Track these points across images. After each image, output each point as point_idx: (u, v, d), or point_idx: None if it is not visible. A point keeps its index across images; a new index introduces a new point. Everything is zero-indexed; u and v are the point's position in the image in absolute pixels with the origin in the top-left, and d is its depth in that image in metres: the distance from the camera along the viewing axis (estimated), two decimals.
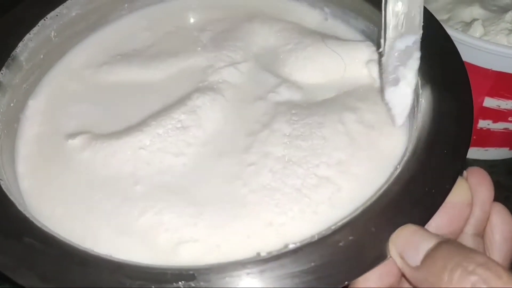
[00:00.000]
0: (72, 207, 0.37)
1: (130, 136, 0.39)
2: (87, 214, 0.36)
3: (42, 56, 0.45)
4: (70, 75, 0.46)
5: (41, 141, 0.41)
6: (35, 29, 0.44)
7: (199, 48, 0.47)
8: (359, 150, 0.37)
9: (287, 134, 0.38)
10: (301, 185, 0.35)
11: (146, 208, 0.36)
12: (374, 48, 0.44)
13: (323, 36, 0.46)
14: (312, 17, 0.50)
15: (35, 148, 0.41)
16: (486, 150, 0.59)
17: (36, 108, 0.44)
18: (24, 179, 0.39)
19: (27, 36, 0.43)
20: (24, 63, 0.43)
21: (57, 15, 0.46)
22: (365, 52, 0.44)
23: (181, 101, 0.42)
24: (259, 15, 0.50)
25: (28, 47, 0.43)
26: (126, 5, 0.51)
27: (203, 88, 0.43)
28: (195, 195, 0.36)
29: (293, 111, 0.40)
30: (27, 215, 0.32)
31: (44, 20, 0.45)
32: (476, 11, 0.55)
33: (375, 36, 0.46)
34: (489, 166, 0.60)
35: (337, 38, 0.46)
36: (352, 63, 0.44)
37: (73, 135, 0.41)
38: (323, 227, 0.31)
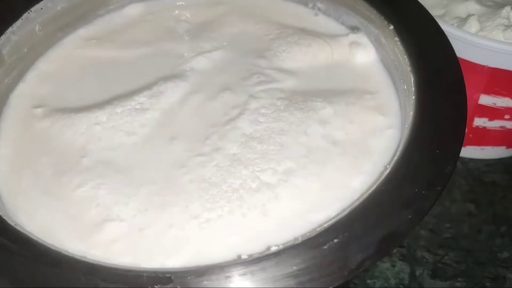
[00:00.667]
0: (20, 169, 0.38)
1: (89, 111, 0.41)
2: (30, 176, 0.37)
3: (26, 50, 0.44)
4: (51, 62, 0.46)
5: (16, 120, 0.42)
6: (18, 23, 0.43)
7: (175, 39, 0.48)
8: (312, 164, 0.36)
9: (247, 134, 0.38)
10: (240, 186, 0.35)
11: (85, 180, 0.36)
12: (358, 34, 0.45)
13: (305, 28, 0.47)
14: (303, 13, 0.49)
15: (12, 132, 0.41)
16: (483, 149, 0.58)
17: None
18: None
19: (10, 29, 0.42)
20: (6, 57, 0.42)
21: (41, 8, 0.45)
22: (348, 37, 0.45)
23: (147, 86, 0.43)
24: (236, 10, 0.50)
25: (10, 40, 0.42)
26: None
27: (170, 76, 0.44)
28: (136, 175, 0.37)
29: (263, 111, 0.40)
30: (0, 213, 0.31)
31: (28, 13, 0.44)
32: (471, 6, 0.54)
33: (368, 33, 0.45)
34: (486, 165, 0.59)
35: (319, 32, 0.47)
36: (339, 47, 0.44)
37: (39, 106, 0.42)
38: (245, 233, 0.32)
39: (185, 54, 0.46)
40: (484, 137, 0.57)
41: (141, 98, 0.42)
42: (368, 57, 0.44)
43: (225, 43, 0.46)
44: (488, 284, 0.50)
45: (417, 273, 0.51)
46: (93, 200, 0.35)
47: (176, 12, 0.51)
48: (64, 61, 0.46)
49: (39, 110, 0.42)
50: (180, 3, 0.52)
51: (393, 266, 0.51)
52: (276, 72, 0.43)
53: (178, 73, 0.44)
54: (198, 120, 0.40)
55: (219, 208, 0.34)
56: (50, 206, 0.35)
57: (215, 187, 0.35)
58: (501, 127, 0.54)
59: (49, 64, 0.46)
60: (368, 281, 0.50)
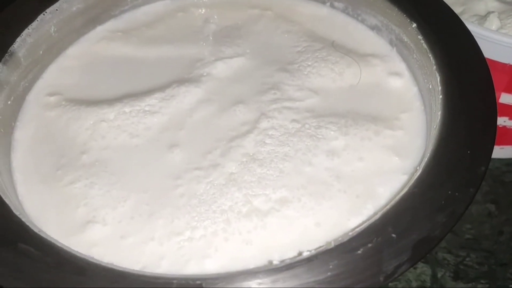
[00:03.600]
0: (28, 153, 0.39)
1: (99, 107, 0.41)
2: (33, 162, 0.38)
3: (41, 52, 0.44)
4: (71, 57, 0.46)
5: (31, 107, 0.42)
6: (34, 24, 0.42)
7: (199, 40, 0.47)
8: (309, 197, 0.35)
9: (250, 154, 0.37)
10: (229, 208, 0.34)
11: (80, 177, 0.37)
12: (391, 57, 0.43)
13: (334, 42, 0.45)
14: (322, 12, 0.48)
15: (26, 116, 0.42)
16: (502, 148, 0.57)
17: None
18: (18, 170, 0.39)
19: (26, 31, 0.42)
20: (22, 59, 0.41)
21: (57, 10, 0.44)
22: (381, 58, 0.43)
23: (160, 88, 0.42)
24: (268, 15, 0.48)
25: (26, 42, 0.42)
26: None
27: (186, 79, 0.43)
28: (129, 180, 0.37)
29: (271, 132, 0.38)
30: (23, 220, 0.30)
31: (44, 14, 0.43)
32: (491, 3, 0.53)
33: (387, 32, 0.44)
34: (506, 165, 0.58)
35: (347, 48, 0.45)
36: (368, 67, 0.42)
37: (53, 95, 0.43)
38: (223, 258, 0.32)
39: (205, 58, 0.45)
40: (504, 136, 0.56)
41: (152, 100, 0.41)
42: (399, 83, 0.42)
43: (248, 51, 0.45)
44: (511, 285, 0.49)
45: (439, 275, 0.50)
46: (83, 199, 0.36)
47: (205, 11, 0.50)
48: (84, 56, 0.46)
49: (52, 99, 0.42)
50: (213, 1, 0.50)
51: (415, 268, 0.50)
52: (296, 89, 0.41)
53: (193, 77, 0.43)
54: (205, 131, 0.39)
55: (203, 229, 0.33)
56: (44, 196, 0.36)
57: (204, 205, 0.35)
58: None
59: (69, 58, 0.46)
60: (390, 284, 0.49)
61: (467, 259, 0.51)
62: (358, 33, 0.46)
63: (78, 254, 0.28)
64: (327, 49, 0.44)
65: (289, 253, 0.31)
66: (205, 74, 0.43)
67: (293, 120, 0.39)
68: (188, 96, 0.41)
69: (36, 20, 0.42)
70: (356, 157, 0.37)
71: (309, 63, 0.43)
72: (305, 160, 0.36)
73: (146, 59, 0.45)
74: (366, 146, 0.37)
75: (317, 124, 0.38)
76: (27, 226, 0.30)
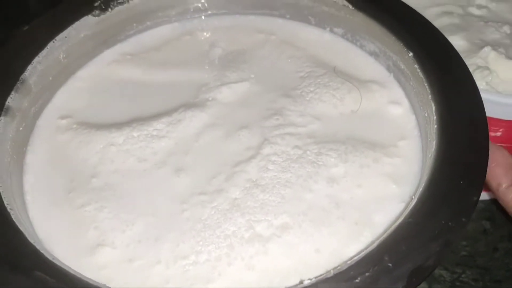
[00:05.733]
0: (41, 177, 0.40)
1: (108, 131, 0.42)
2: (46, 184, 0.40)
3: (51, 78, 0.45)
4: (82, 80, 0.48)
5: (43, 130, 0.44)
6: (44, 52, 0.44)
7: (205, 65, 0.48)
8: (309, 224, 0.36)
9: (253, 179, 0.38)
10: (232, 233, 0.35)
11: (90, 201, 0.38)
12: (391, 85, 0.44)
13: (335, 68, 0.46)
14: (324, 38, 0.50)
15: (38, 141, 0.43)
16: None
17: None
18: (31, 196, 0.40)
19: (36, 58, 0.43)
20: (33, 86, 0.43)
21: (65, 37, 0.45)
22: (380, 85, 0.44)
23: (167, 112, 0.43)
24: (273, 39, 0.50)
25: (37, 69, 0.43)
26: (134, 24, 0.50)
27: (192, 104, 0.44)
28: (138, 203, 0.38)
29: (274, 158, 0.39)
30: (38, 247, 0.32)
31: (53, 42, 0.44)
32: (457, 42, 0.52)
33: (385, 58, 0.45)
34: None
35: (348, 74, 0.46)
36: (368, 94, 0.43)
37: (64, 118, 0.44)
38: (225, 282, 0.33)
39: (210, 82, 0.46)
40: None
41: (159, 125, 0.42)
42: (398, 111, 0.43)
43: (252, 75, 0.46)
44: None
45: None
46: (93, 222, 0.37)
47: (211, 35, 0.51)
48: (93, 79, 0.47)
49: (63, 122, 0.44)
50: (220, 25, 0.52)
51: None
52: (298, 115, 0.42)
53: (199, 102, 0.44)
54: (210, 156, 0.40)
55: (207, 253, 0.35)
56: (55, 218, 0.37)
57: (209, 230, 0.36)
58: None
59: (78, 81, 0.47)
60: None
61: (463, 275, 0.52)
62: (358, 59, 0.47)
63: (91, 282, 0.30)
64: (329, 75, 0.45)
65: (290, 279, 0.33)
66: (210, 98, 0.44)
67: (295, 147, 0.40)
68: (194, 120, 0.43)
69: (46, 48, 0.44)
70: (355, 184, 0.38)
71: (311, 89, 0.44)
72: (306, 187, 0.37)
73: (154, 82, 0.47)
74: (365, 174, 0.38)
75: (318, 150, 0.40)
76: (42, 254, 0.31)
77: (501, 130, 0.47)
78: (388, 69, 0.45)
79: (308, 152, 0.40)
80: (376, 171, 0.38)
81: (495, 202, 0.57)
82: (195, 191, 0.38)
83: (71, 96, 0.46)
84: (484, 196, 0.57)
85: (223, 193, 0.38)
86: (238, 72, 0.47)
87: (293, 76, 0.46)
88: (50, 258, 0.31)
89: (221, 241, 0.35)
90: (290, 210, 0.36)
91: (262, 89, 0.45)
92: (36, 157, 0.42)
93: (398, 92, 0.44)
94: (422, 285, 0.51)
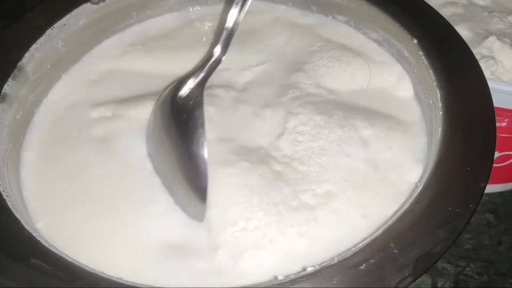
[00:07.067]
0: (35, 167, 0.39)
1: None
2: (39, 174, 0.39)
3: (49, 66, 0.44)
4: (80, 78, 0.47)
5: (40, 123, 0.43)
6: (42, 39, 0.43)
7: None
8: (352, 190, 0.36)
9: (288, 155, 0.38)
10: (280, 202, 0.35)
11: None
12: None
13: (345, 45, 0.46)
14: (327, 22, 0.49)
15: (36, 136, 0.42)
16: None
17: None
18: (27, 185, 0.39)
19: (34, 46, 0.42)
20: (30, 73, 0.42)
21: (64, 24, 0.45)
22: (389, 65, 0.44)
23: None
24: (281, 19, 0.50)
25: (34, 57, 0.42)
26: (134, 13, 0.50)
27: (214, 87, 0.43)
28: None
29: (301, 128, 0.39)
30: (34, 234, 0.31)
31: (51, 29, 0.44)
32: (461, 32, 0.52)
33: (389, 46, 0.45)
34: None
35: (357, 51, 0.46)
36: (377, 72, 0.43)
37: (59, 108, 0.43)
38: (278, 249, 0.32)
39: (232, 67, 0.45)
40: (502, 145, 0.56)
41: None
42: (403, 94, 0.43)
43: (271, 57, 0.46)
44: None
45: (439, 285, 0.51)
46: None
47: (218, 21, 0.51)
48: (92, 69, 0.47)
49: (62, 111, 0.43)
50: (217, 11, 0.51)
51: None
52: (313, 87, 0.42)
53: (221, 86, 0.43)
54: (246, 131, 0.40)
55: (257, 220, 0.34)
56: (53, 206, 0.37)
57: (256, 197, 0.35)
58: None
59: (77, 72, 0.47)
60: None
61: (467, 269, 0.52)
62: (363, 43, 0.47)
63: (89, 269, 0.29)
64: (341, 49, 0.45)
65: (341, 246, 0.32)
66: (234, 82, 0.44)
67: (319, 113, 0.39)
68: (227, 96, 0.42)
69: (44, 35, 0.43)
70: (386, 147, 0.38)
71: (324, 62, 0.44)
72: (341, 152, 0.37)
73: (154, 71, 0.46)
74: (393, 136, 0.38)
75: (343, 114, 0.39)
76: (38, 241, 0.30)
77: (506, 120, 0.47)
78: (393, 56, 0.45)
79: (334, 117, 0.39)
80: (402, 134, 0.39)
81: (498, 194, 0.57)
82: (239, 158, 0.37)
83: (70, 85, 0.45)
84: (488, 188, 0.56)
85: (266, 164, 0.37)
86: (256, 54, 0.46)
87: (305, 51, 0.46)
88: (47, 245, 0.30)
89: (269, 208, 0.34)
90: (331, 178, 0.36)
91: (279, 67, 0.45)
92: (34, 145, 0.41)
93: (403, 76, 0.43)
94: (425, 278, 0.51)
